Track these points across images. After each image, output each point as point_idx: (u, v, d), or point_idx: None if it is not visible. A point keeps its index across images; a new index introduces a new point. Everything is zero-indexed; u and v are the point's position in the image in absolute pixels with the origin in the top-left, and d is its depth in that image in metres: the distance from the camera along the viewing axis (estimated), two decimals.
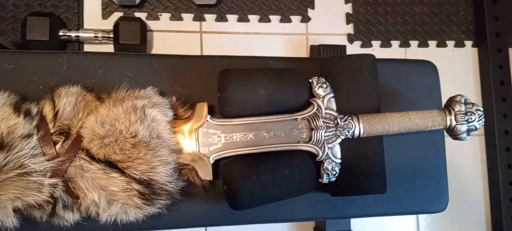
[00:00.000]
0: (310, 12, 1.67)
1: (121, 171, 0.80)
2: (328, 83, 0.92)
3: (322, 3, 1.68)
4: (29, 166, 0.75)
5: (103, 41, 1.43)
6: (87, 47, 1.48)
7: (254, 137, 0.90)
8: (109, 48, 1.47)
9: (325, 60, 1.00)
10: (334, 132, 0.90)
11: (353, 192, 0.95)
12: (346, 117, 0.90)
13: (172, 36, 1.55)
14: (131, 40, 1.38)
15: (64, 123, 0.81)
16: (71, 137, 0.81)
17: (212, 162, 0.87)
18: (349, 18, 1.70)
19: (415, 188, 1.06)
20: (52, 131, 0.80)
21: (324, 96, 0.91)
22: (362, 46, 1.69)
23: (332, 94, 0.91)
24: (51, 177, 0.77)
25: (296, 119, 0.91)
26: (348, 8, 1.71)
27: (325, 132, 0.89)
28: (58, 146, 0.79)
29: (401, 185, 1.05)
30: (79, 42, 1.45)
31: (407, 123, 0.93)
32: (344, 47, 1.56)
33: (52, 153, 0.78)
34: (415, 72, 1.11)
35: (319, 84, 0.92)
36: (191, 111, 0.92)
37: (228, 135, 0.89)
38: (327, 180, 0.91)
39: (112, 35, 1.43)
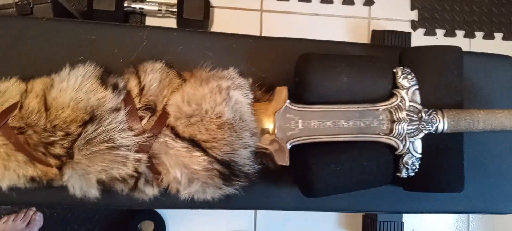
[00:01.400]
0: None
1: (204, 151, 0.79)
2: (413, 74, 0.89)
3: None
4: (118, 140, 0.75)
5: (165, 15, 1.43)
6: (149, 20, 1.48)
7: (333, 125, 0.88)
8: (171, 22, 1.46)
9: (408, 49, 0.96)
10: (417, 126, 0.87)
11: (430, 188, 0.93)
12: (430, 111, 0.87)
13: (232, 13, 1.53)
14: (194, 16, 1.37)
15: (150, 98, 0.81)
16: (157, 113, 0.80)
17: (289, 147, 0.86)
18: (414, 4, 1.63)
19: (488, 187, 1.03)
20: (138, 106, 0.80)
21: (408, 88, 0.88)
22: (426, 34, 1.63)
23: (417, 86, 0.88)
24: (137, 152, 0.77)
25: (377, 109, 0.88)
26: None
27: (408, 125, 0.87)
28: (144, 122, 0.80)
29: (473, 183, 1.02)
30: (142, 14, 1.45)
31: (493, 121, 0.89)
32: (409, 34, 1.50)
33: (138, 128, 0.78)
34: (495, 67, 1.06)
35: (404, 75, 0.88)
36: (268, 94, 0.91)
37: (306, 121, 0.87)
38: (406, 174, 0.88)
39: (175, 9, 1.42)
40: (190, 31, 0.93)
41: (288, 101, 0.87)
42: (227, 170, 0.80)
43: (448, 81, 0.91)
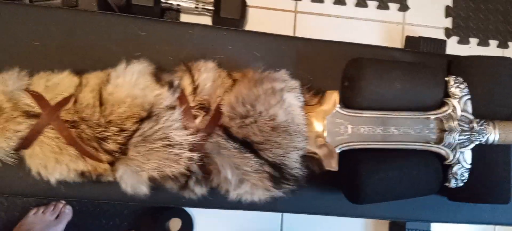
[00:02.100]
0: (409, 1, 1.60)
1: (255, 152, 0.79)
2: (465, 84, 0.88)
3: None
4: (174, 138, 0.75)
5: (202, 12, 1.42)
6: (184, 17, 1.47)
7: (383, 132, 0.87)
8: (206, 20, 1.46)
9: (458, 58, 0.95)
10: (468, 136, 0.86)
11: (476, 199, 0.92)
12: (482, 122, 0.86)
13: (266, 13, 1.53)
14: (231, 15, 1.37)
15: (204, 98, 0.81)
16: (210, 112, 0.80)
17: (337, 152, 0.85)
18: (448, 12, 1.62)
19: None
20: (191, 104, 0.79)
21: (460, 97, 0.87)
22: (459, 42, 1.61)
23: (468, 96, 0.87)
24: (191, 150, 0.76)
25: (428, 117, 0.87)
26: (449, 0, 1.63)
27: (459, 135, 0.86)
28: (197, 121, 0.79)
29: None
30: (177, 11, 1.44)
31: None
32: (444, 42, 1.49)
33: (193, 127, 0.78)
34: None
35: (457, 84, 0.87)
36: (315, 97, 0.90)
37: (355, 127, 0.87)
38: (455, 184, 0.87)
39: (211, 7, 1.41)
40: (240, 31, 0.92)
41: (338, 105, 0.86)
42: (278, 173, 0.80)
43: (500, 93, 0.89)
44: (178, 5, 1.40)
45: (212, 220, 1.46)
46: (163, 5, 1.38)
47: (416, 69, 0.87)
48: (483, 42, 1.62)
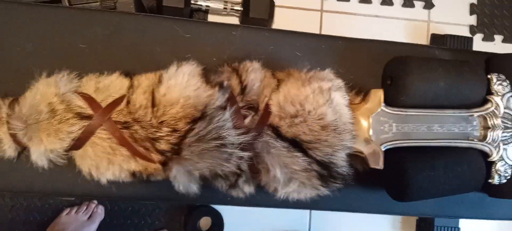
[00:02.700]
0: None
1: (304, 151, 0.79)
2: (508, 81, 0.88)
3: None
4: (226, 137, 0.76)
5: (230, 13, 1.43)
6: (211, 18, 1.48)
7: (427, 130, 0.88)
8: (233, 21, 1.47)
9: (497, 56, 0.96)
10: (511, 133, 0.86)
11: None
12: None
13: (292, 12, 1.54)
14: (260, 15, 1.38)
15: (252, 98, 0.82)
16: (259, 112, 0.81)
17: (383, 150, 0.86)
18: (473, 9, 1.62)
19: None
20: (240, 105, 0.80)
21: (503, 94, 0.87)
22: (484, 39, 1.61)
23: (511, 93, 0.88)
24: (242, 150, 0.77)
25: (472, 115, 0.88)
26: None
27: (503, 132, 0.86)
28: (247, 121, 0.80)
29: None
30: (205, 11, 1.46)
31: None
32: (471, 39, 1.49)
33: (243, 127, 0.79)
34: None
35: (499, 82, 0.88)
36: (358, 96, 0.91)
37: (399, 125, 0.87)
38: (498, 181, 0.88)
39: (239, 8, 1.42)
40: (281, 31, 0.93)
41: (383, 104, 0.87)
42: (326, 172, 0.81)
43: None
44: (207, 6, 1.41)
45: (241, 218, 1.47)
46: (192, 6, 1.39)
47: (459, 67, 0.87)
48: (508, 39, 1.62)
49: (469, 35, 1.59)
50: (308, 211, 1.53)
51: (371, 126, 0.86)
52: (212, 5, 1.41)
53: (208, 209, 1.45)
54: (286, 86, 0.82)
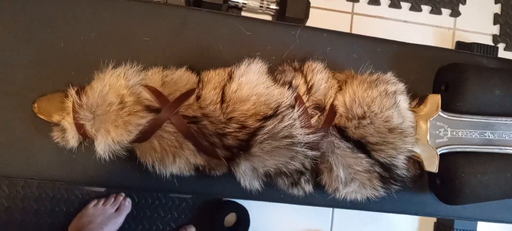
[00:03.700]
0: (461, 7, 1.64)
1: (367, 152, 0.81)
2: None
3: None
4: (297, 136, 0.77)
5: (265, 11, 1.44)
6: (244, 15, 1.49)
7: (479, 136, 0.90)
8: (266, 19, 1.47)
9: None
10: None
11: None
12: None
13: (324, 13, 1.55)
14: (296, 15, 1.39)
15: (318, 98, 0.83)
16: (324, 112, 0.82)
17: (438, 154, 0.88)
18: (497, 19, 1.66)
19: None
20: (307, 104, 0.81)
21: None
22: (506, 49, 1.65)
23: None
24: (310, 149, 0.78)
25: None
26: (497, 8, 1.67)
27: None
28: (313, 120, 0.81)
29: None
30: (239, 8, 1.46)
31: None
32: (496, 48, 1.53)
33: (311, 126, 0.80)
34: None
35: None
36: (414, 100, 0.92)
37: (454, 130, 0.90)
38: None
39: (276, 7, 1.43)
40: (338, 33, 0.94)
41: (440, 109, 0.89)
42: (387, 173, 0.82)
43: None
44: (243, 3, 1.41)
45: (266, 215, 1.48)
46: (230, 2, 1.39)
47: None
48: None
49: (492, 44, 1.63)
50: (330, 210, 1.55)
51: (428, 130, 0.88)
52: (249, 2, 1.41)
53: (234, 205, 1.46)
54: (351, 87, 0.83)
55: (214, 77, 0.82)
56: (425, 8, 1.62)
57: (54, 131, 0.81)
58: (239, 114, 0.78)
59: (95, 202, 1.40)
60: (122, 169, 0.87)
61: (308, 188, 0.85)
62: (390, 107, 0.81)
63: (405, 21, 1.60)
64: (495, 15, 1.67)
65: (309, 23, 1.48)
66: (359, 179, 0.82)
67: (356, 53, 0.94)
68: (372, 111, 0.80)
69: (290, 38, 0.92)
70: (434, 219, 1.63)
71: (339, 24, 1.54)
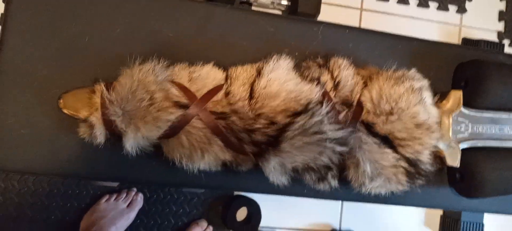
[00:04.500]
0: (467, 4, 1.66)
1: (394, 148, 0.82)
2: None
3: None
4: (326, 132, 0.77)
5: (276, 7, 1.44)
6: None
7: (499, 131, 0.92)
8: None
9: None
10: None
11: None
12: None
13: (333, 9, 1.55)
14: (308, 10, 1.38)
15: (346, 94, 0.83)
16: (352, 108, 0.83)
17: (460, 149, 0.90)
18: (502, 16, 1.68)
19: None
20: (334, 100, 0.82)
21: None
22: (510, 45, 1.68)
23: None
24: (340, 144, 0.79)
25: None
26: (502, 5, 1.69)
27: None
28: (341, 116, 0.82)
29: None
30: (249, 4, 1.45)
31: None
32: (502, 46, 1.55)
33: (338, 122, 0.80)
34: None
35: None
36: (435, 96, 0.93)
37: (475, 125, 0.91)
38: None
39: (286, 2, 1.43)
40: (358, 29, 0.95)
41: (462, 105, 0.90)
42: (413, 168, 0.84)
43: None
44: (255, 0, 1.41)
45: (277, 208, 1.49)
46: None
47: None
48: None
49: (497, 41, 1.65)
50: (340, 203, 1.56)
51: (451, 126, 0.89)
52: None
53: (246, 200, 1.46)
54: (377, 83, 0.84)
55: (242, 73, 0.82)
56: (433, 5, 1.63)
57: (81, 127, 0.80)
58: (269, 111, 0.78)
59: (107, 197, 1.39)
60: (138, 164, 0.86)
61: (334, 183, 0.86)
62: (416, 104, 0.82)
63: (412, 17, 1.61)
64: (500, 12, 1.69)
65: (319, 19, 1.48)
66: (385, 174, 0.83)
67: (377, 50, 0.95)
68: (400, 108, 0.81)
69: (312, 34, 0.93)
70: (440, 211, 1.66)
71: (348, 20, 1.55)
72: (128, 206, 1.39)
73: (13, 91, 0.83)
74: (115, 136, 0.80)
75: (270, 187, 0.84)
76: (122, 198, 1.39)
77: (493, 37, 1.65)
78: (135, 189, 1.41)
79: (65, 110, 0.81)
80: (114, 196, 1.39)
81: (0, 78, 0.82)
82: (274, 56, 0.81)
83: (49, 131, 0.84)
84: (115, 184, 1.37)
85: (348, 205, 1.58)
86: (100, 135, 0.79)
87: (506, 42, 1.65)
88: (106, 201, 1.38)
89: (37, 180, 1.33)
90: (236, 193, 1.48)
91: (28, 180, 1.33)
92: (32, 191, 1.34)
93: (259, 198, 1.48)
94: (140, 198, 1.42)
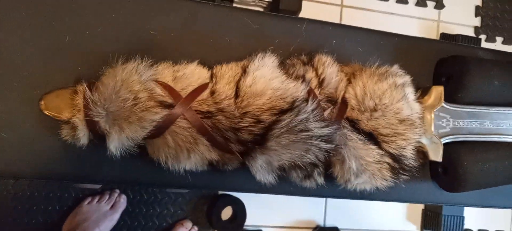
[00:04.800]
0: (445, 0, 1.69)
1: (378, 144, 0.83)
2: None
3: None
4: (312, 130, 0.78)
5: (258, 3, 1.44)
6: None
7: (479, 125, 0.94)
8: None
9: None
10: None
11: None
12: None
13: (314, 6, 1.57)
14: (290, 7, 1.39)
15: (330, 91, 0.84)
16: (336, 105, 0.83)
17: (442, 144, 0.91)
18: (478, 11, 1.72)
19: None
20: (319, 97, 0.83)
21: None
22: (487, 40, 1.72)
23: None
24: (326, 142, 0.80)
25: None
26: (478, 1, 1.73)
27: None
28: (326, 113, 0.82)
29: None
30: (231, 0, 1.45)
31: None
32: (479, 40, 1.59)
33: (324, 120, 0.81)
34: None
35: None
36: (417, 92, 0.95)
37: (456, 120, 0.93)
38: None
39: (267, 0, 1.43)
40: (342, 25, 0.96)
41: (443, 100, 0.92)
42: (397, 164, 0.85)
43: None
44: None
45: (262, 206, 1.50)
46: None
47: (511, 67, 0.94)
48: (508, 41, 1.74)
49: (474, 35, 1.69)
50: (324, 200, 1.58)
51: (433, 121, 0.91)
52: None
53: (231, 198, 1.46)
54: (361, 80, 0.85)
55: (227, 71, 0.81)
56: (411, 1, 1.66)
57: (64, 128, 0.79)
58: (255, 109, 0.78)
59: (89, 199, 1.38)
60: (121, 165, 0.85)
61: (320, 180, 0.86)
62: (400, 100, 0.83)
63: (392, 14, 1.63)
64: (477, 7, 1.73)
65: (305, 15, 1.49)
66: (370, 170, 0.84)
67: (361, 46, 0.96)
68: (384, 104, 0.82)
69: (296, 31, 0.93)
70: (422, 206, 1.69)
71: (329, 16, 1.56)
72: (111, 207, 1.37)
73: None
74: (98, 137, 0.78)
75: (256, 186, 0.83)
76: (105, 200, 1.37)
77: (470, 32, 1.69)
78: (118, 191, 1.40)
79: (46, 112, 0.79)
80: (97, 198, 1.38)
81: None
82: (259, 54, 0.81)
83: (29, 133, 0.82)
84: (98, 186, 1.35)
85: (332, 202, 1.60)
86: (83, 136, 0.78)
87: (482, 37, 1.69)
88: (88, 203, 1.37)
89: (17, 183, 1.30)
90: (220, 192, 1.48)
91: (8, 183, 1.30)
92: (13, 195, 1.31)
93: (244, 196, 1.48)
94: (123, 199, 1.40)
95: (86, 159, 0.85)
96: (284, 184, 0.87)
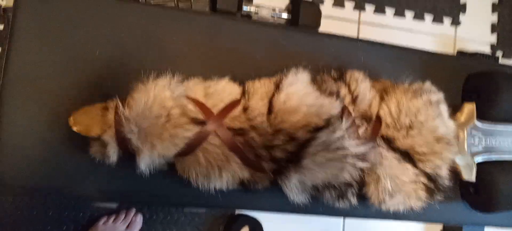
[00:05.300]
0: (462, 16, 1.68)
1: (413, 163, 0.81)
2: None
3: (473, 8, 1.69)
4: (348, 148, 0.75)
5: (277, 20, 1.43)
6: None
7: (511, 144, 0.92)
8: None
9: None
10: None
11: None
12: None
13: (332, 22, 1.56)
14: (309, 23, 1.38)
15: (363, 108, 0.82)
16: (371, 123, 0.81)
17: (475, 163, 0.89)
18: (494, 28, 1.72)
19: None
20: (353, 114, 0.81)
21: None
22: (504, 56, 1.71)
23: None
24: (361, 160, 0.77)
25: None
26: (494, 17, 1.73)
27: None
28: (360, 131, 0.80)
29: None
30: (251, 17, 1.44)
31: None
32: (497, 58, 1.58)
33: (359, 137, 0.79)
34: None
35: None
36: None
37: (488, 138, 0.91)
38: None
39: (286, 16, 1.42)
40: (371, 42, 0.94)
41: (476, 118, 0.90)
42: (433, 184, 0.82)
43: None
44: (256, 13, 1.40)
45: (279, 226, 1.46)
46: (243, 12, 1.37)
47: None
48: None
49: (490, 53, 1.68)
50: (342, 219, 1.54)
51: (466, 139, 0.89)
52: (262, 12, 1.40)
53: (247, 218, 1.43)
54: (395, 97, 0.83)
55: (260, 88, 0.80)
56: (428, 17, 1.65)
57: (93, 145, 0.77)
58: (289, 126, 0.76)
59: (105, 219, 1.34)
60: (140, 183, 0.82)
61: (354, 200, 0.84)
62: (435, 117, 0.81)
63: (409, 30, 1.62)
64: (493, 24, 1.73)
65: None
66: (405, 190, 0.82)
67: (389, 62, 0.94)
68: (419, 121, 0.80)
69: (324, 47, 0.92)
70: (441, 225, 1.66)
71: (347, 33, 1.55)
72: (127, 227, 1.34)
73: (18, 103, 0.79)
74: (128, 154, 0.76)
75: (288, 206, 0.81)
76: (121, 220, 1.34)
77: (486, 49, 1.68)
78: (134, 210, 1.37)
79: (75, 128, 0.77)
80: (113, 217, 1.34)
81: (6, 89, 0.78)
82: (293, 70, 0.79)
83: (53, 149, 0.80)
84: (114, 205, 1.32)
85: (350, 220, 1.56)
86: (113, 153, 0.76)
87: (499, 53, 1.68)
88: (104, 223, 1.33)
89: (32, 201, 1.27)
90: (237, 211, 1.45)
91: (23, 201, 1.27)
92: (27, 214, 1.28)
93: (261, 215, 1.45)
94: (139, 218, 1.37)
95: (103, 176, 0.82)
96: (315, 204, 0.85)
